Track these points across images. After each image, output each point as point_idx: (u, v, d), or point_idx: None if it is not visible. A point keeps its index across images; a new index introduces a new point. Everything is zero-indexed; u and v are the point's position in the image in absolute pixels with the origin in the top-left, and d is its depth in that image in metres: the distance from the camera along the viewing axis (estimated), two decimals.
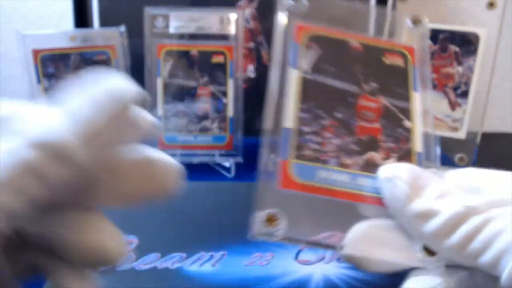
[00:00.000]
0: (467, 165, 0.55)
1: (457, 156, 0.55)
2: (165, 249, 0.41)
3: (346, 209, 0.27)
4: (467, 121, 0.53)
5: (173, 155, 0.56)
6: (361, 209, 0.27)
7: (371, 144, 0.29)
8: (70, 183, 0.18)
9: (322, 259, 0.40)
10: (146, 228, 0.44)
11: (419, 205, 0.23)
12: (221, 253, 0.40)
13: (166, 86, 0.55)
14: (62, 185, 0.18)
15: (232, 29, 0.55)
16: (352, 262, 0.25)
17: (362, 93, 0.31)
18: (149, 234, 0.43)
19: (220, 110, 0.56)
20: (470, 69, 0.53)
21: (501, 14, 0.52)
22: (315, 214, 0.28)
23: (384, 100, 0.31)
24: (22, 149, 0.17)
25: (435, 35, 0.53)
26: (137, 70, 0.58)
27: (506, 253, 0.21)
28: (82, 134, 0.18)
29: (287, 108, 0.29)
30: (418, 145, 0.30)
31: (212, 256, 0.40)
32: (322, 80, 0.30)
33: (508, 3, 0.52)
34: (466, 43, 0.52)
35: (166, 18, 0.54)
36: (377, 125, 0.30)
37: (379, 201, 0.27)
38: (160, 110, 0.56)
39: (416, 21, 0.35)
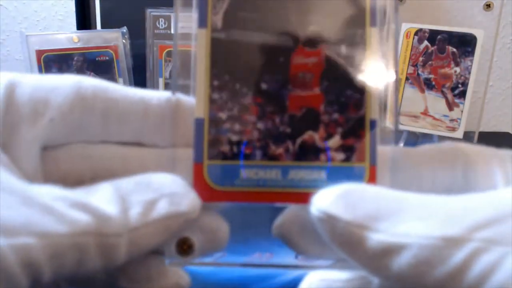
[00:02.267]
0: None
1: None
2: None
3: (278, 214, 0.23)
4: (465, 121, 0.54)
5: None
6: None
7: (309, 120, 0.21)
8: None
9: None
10: None
11: (374, 243, 0.16)
12: (221, 251, 0.41)
13: (167, 87, 0.56)
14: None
15: None
16: None
17: (297, 46, 0.21)
18: None
19: None
20: (468, 70, 0.53)
21: (498, 15, 0.52)
22: (242, 226, 0.24)
23: (327, 50, 0.21)
24: None
25: (433, 36, 0.54)
26: (139, 70, 0.58)
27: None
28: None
29: (197, 87, 0.21)
30: (373, 109, 0.21)
31: (212, 255, 0.40)
32: (239, 37, 0.21)
33: (505, 5, 0.52)
34: (464, 44, 0.53)
35: (167, 19, 0.55)
36: (317, 91, 0.21)
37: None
38: None
39: None
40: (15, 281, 0.15)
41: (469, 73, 0.53)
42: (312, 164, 0.20)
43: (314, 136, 0.21)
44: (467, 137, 0.54)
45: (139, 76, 0.58)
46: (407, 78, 0.55)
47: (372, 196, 0.17)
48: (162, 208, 0.18)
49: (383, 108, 0.21)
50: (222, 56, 0.21)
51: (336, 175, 0.20)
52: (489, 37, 0.52)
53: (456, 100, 0.54)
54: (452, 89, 0.54)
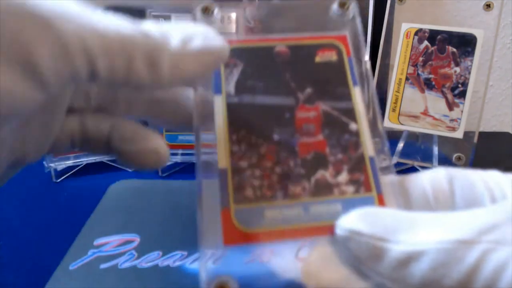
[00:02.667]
0: (464, 165, 0.56)
1: (455, 156, 0.56)
2: (166, 248, 0.41)
3: None
4: (465, 121, 0.54)
5: (174, 154, 0.57)
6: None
7: (318, 162, 0.25)
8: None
9: None
10: (147, 227, 0.45)
11: (396, 253, 0.18)
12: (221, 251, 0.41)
13: None
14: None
15: (232, 29, 0.55)
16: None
17: (299, 104, 0.26)
18: (150, 233, 0.44)
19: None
20: (468, 70, 0.53)
21: (498, 15, 0.52)
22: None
23: (323, 106, 0.26)
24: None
25: (433, 36, 0.54)
26: None
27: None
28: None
29: (218, 143, 0.25)
30: (369, 148, 0.25)
31: (213, 254, 0.40)
32: (250, 100, 0.26)
33: (505, 5, 0.52)
34: (464, 44, 0.53)
35: (167, 19, 0.55)
36: (320, 137, 0.25)
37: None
38: None
39: (342, 5, 0.29)
40: (76, 65, 0.18)
41: (469, 73, 0.53)
42: (328, 198, 0.23)
43: (325, 174, 0.24)
44: (467, 137, 0.55)
45: None
46: (407, 78, 0.55)
47: (388, 214, 0.20)
48: (197, 43, 0.21)
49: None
50: (237, 116, 0.25)
51: (350, 206, 0.22)
52: (489, 37, 0.52)
53: (456, 100, 0.54)
54: (452, 89, 0.54)
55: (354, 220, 0.20)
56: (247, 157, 0.24)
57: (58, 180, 0.55)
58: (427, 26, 0.54)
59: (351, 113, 0.26)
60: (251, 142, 0.25)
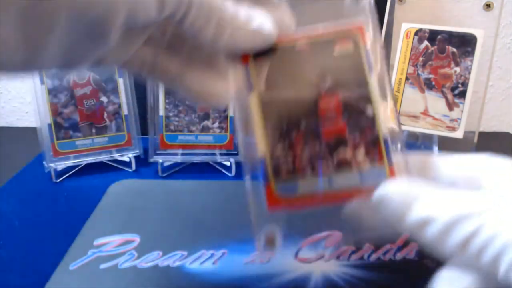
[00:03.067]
0: None
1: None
2: (166, 248, 0.41)
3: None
4: (465, 121, 0.54)
5: (174, 154, 0.57)
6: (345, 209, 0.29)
7: (340, 144, 0.30)
8: None
9: (322, 257, 0.40)
10: (147, 227, 0.45)
11: (413, 217, 0.24)
12: (221, 251, 0.41)
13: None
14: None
15: None
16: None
17: (321, 95, 0.30)
18: (150, 233, 0.44)
19: (220, 109, 0.57)
20: (468, 70, 0.53)
21: (498, 15, 0.52)
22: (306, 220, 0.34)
23: (342, 94, 0.30)
24: None
25: (433, 36, 0.54)
26: None
27: (504, 254, 0.21)
28: None
29: (256, 135, 0.30)
30: (383, 128, 0.29)
31: (212, 254, 0.40)
32: (278, 95, 0.31)
33: (505, 5, 0.52)
34: (464, 44, 0.53)
35: None
36: (341, 123, 0.30)
37: (359, 193, 0.28)
38: (161, 110, 0.56)
39: None
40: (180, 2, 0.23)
41: (469, 73, 0.53)
42: (348, 172, 0.29)
43: (346, 154, 0.29)
44: (467, 137, 0.55)
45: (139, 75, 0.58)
46: (407, 78, 0.55)
47: (408, 187, 0.26)
48: (255, 24, 0.26)
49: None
50: (269, 109, 0.30)
51: (366, 177, 0.29)
52: (489, 37, 0.52)
53: (456, 100, 0.54)
54: (452, 89, 0.54)
55: (385, 190, 0.26)
56: (280, 145, 0.30)
57: (58, 180, 0.55)
58: (427, 26, 0.54)
59: (367, 99, 0.30)
60: (282, 132, 0.30)
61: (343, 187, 0.29)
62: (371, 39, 0.31)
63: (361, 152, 0.29)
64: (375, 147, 0.29)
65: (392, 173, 0.28)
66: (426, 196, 0.25)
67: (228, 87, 0.30)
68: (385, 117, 0.29)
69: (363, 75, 0.30)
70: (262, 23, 0.27)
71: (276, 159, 0.30)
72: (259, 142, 0.30)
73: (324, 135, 0.30)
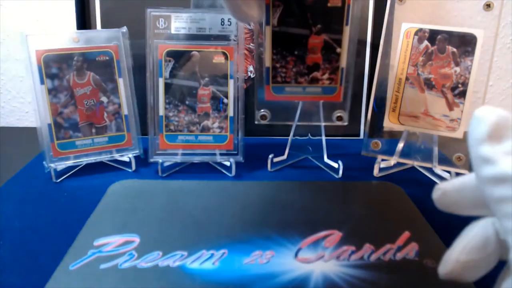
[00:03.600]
0: (464, 165, 0.56)
1: (455, 156, 0.56)
2: (166, 248, 0.41)
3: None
4: (465, 121, 0.54)
5: (174, 154, 0.57)
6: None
7: (315, 67, 0.51)
8: None
9: (322, 257, 0.40)
10: (147, 227, 0.45)
11: (485, 150, 0.24)
12: (221, 251, 0.41)
13: (167, 86, 0.56)
14: None
15: (233, 30, 0.56)
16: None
17: (311, 34, 0.50)
18: (150, 233, 0.44)
19: (220, 110, 0.57)
20: (468, 70, 0.53)
21: (498, 15, 0.52)
22: (287, 110, 0.55)
23: (325, 37, 0.50)
24: None
25: (433, 36, 0.54)
26: (139, 70, 0.58)
27: None
28: None
29: (266, 53, 0.51)
30: (343, 62, 0.51)
31: (212, 255, 0.40)
32: (285, 30, 0.50)
33: (505, 5, 0.52)
34: (464, 44, 0.53)
35: (167, 19, 0.55)
36: (319, 55, 0.51)
37: (321, 99, 0.54)
38: (161, 110, 0.56)
39: None
40: None
41: (469, 73, 0.53)
42: (316, 85, 0.52)
43: (317, 74, 0.52)
44: (467, 137, 0.54)
45: (139, 76, 0.58)
46: (407, 78, 0.55)
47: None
48: None
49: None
50: (277, 39, 0.51)
51: (325, 89, 0.53)
52: (489, 37, 0.52)
53: (456, 100, 0.54)
54: (452, 89, 0.54)
55: (491, 111, 0.25)
56: (279, 62, 0.52)
57: (58, 180, 0.55)
58: (427, 26, 0.54)
59: (339, 42, 0.51)
60: (283, 54, 0.51)
61: (310, 93, 0.52)
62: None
63: (326, 74, 0.51)
64: (336, 73, 0.52)
65: (339, 90, 0.52)
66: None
67: (261, 13, 0.44)
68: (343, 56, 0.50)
69: (341, 25, 0.49)
70: None
71: (274, 70, 0.52)
72: (267, 58, 0.51)
73: (307, 61, 0.51)
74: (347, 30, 0.49)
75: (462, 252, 0.26)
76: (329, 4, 0.47)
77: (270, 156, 0.58)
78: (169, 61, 0.55)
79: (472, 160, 0.25)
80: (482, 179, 0.24)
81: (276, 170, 0.59)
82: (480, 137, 0.24)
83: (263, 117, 0.54)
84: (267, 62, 0.50)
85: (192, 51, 0.55)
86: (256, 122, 0.55)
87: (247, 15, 0.40)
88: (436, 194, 0.28)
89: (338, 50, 0.49)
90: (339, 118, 0.55)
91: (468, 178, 0.28)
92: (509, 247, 0.23)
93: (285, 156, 0.60)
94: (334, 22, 0.49)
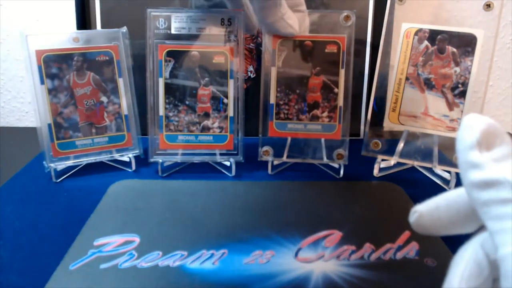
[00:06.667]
0: None
1: (455, 156, 0.56)
2: (166, 248, 0.41)
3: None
4: None
5: (174, 154, 0.57)
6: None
7: (315, 105, 0.56)
8: None
9: (322, 257, 0.40)
10: (147, 227, 0.45)
11: (474, 156, 0.24)
12: (221, 251, 0.41)
13: (167, 87, 0.56)
14: None
15: (233, 30, 0.56)
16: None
17: (311, 76, 0.55)
18: (150, 233, 0.44)
19: (220, 110, 0.57)
20: (468, 70, 0.53)
21: (498, 15, 0.52)
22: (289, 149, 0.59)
23: (323, 78, 0.55)
24: None
25: (433, 36, 0.54)
26: (139, 70, 0.58)
27: None
28: None
29: (271, 91, 0.56)
30: (340, 102, 0.56)
31: (212, 255, 0.40)
32: (288, 71, 0.55)
33: (505, 5, 0.52)
34: (464, 44, 0.53)
35: (167, 19, 0.55)
36: (318, 94, 0.56)
37: (321, 136, 0.57)
38: (161, 110, 0.56)
39: (346, 19, 0.54)
40: None
41: (469, 73, 0.53)
42: (316, 123, 0.56)
43: (317, 112, 0.56)
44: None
45: (139, 76, 0.58)
46: (407, 78, 0.55)
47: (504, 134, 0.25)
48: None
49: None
50: (281, 79, 0.56)
51: (325, 128, 0.57)
52: (489, 37, 0.52)
53: (456, 100, 0.54)
54: (452, 89, 0.54)
55: (480, 119, 0.25)
56: (283, 99, 0.56)
57: (58, 180, 0.55)
58: (427, 26, 0.54)
59: (336, 83, 0.55)
60: (285, 92, 0.56)
61: (311, 131, 0.56)
62: (347, 47, 0.54)
63: (325, 112, 0.56)
64: (334, 111, 0.56)
65: (339, 129, 0.56)
66: (500, 150, 0.25)
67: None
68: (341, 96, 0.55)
69: (338, 68, 0.55)
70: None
71: (278, 107, 0.56)
72: (272, 95, 0.56)
73: (307, 99, 0.56)
74: (342, 72, 0.55)
75: (461, 282, 0.26)
76: (326, 50, 0.54)
77: (270, 159, 0.58)
78: (169, 61, 0.55)
79: (459, 165, 0.25)
80: (469, 184, 0.24)
81: (276, 171, 0.59)
82: (469, 144, 0.25)
83: (265, 152, 0.58)
84: (272, 99, 0.56)
85: (192, 51, 0.55)
86: (259, 159, 0.58)
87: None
88: (412, 217, 0.28)
89: (336, 90, 0.55)
90: (340, 156, 0.57)
91: (442, 198, 0.28)
92: (499, 267, 0.23)
93: (284, 158, 0.60)
94: (331, 65, 0.55)
